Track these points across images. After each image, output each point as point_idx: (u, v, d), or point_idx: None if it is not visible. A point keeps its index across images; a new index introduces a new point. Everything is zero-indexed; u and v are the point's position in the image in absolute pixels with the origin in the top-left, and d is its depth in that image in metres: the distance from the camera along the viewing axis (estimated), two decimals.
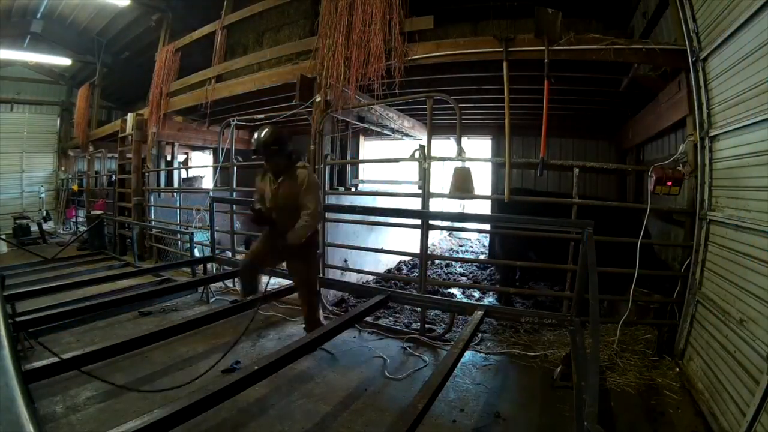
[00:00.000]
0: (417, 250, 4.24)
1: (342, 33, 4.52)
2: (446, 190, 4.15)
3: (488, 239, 6.64)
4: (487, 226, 5.05)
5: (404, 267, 6.87)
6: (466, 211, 6.93)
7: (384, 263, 6.70)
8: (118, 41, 9.86)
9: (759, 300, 2.30)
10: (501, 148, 8.18)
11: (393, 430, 1.81)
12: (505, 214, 4.42)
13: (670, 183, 3.36)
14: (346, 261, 5.35)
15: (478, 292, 5.58)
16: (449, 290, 5.51)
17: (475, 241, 9.36)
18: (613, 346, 3.54)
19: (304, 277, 3.47)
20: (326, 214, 4.78)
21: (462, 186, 4.01)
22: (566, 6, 3.91)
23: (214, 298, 4.98)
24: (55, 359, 2.43)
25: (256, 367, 2.25)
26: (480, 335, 3.89)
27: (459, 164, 4.10)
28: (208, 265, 5.44)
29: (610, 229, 3.59)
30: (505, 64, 3.96)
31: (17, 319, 3.22)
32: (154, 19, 7.92)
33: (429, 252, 4.46)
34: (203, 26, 6.71)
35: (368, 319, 4.17)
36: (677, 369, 3.24)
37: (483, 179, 8.66)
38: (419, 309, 4.23)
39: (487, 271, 6.55)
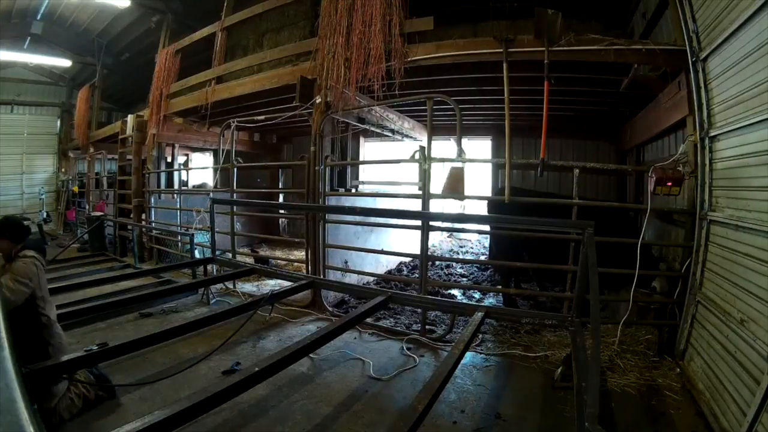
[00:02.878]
0: (417, 251, 4.24)
1: (342, 34, 4.52)
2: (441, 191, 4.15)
3: (488, 240, 6.64)
4: (487, 227, 5.05)
5: (404, 268, 6.87)
6: (467, 212, 6.94)
7: (384, 264, 6.70)
8: (118, 43, 9.88)
9: (759, 300, 2.30)
10: (501, 149, 8.19)
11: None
12: (504, 215, 4.42)
13: (670, 183, 3.36)
14: (346, 262, 5.35)
15: (479, 293, 5.58)
16: (449, 291, 5.51)
17: (476, 242, 9.36)
18: (614, 347, 3.54)
19: None
20: (326, 215, 4.79)
21: (455, 186, 4.00)
22: (566, 7, 3.92)
23: (214, 300, 4.97)
24: (56, 360, 2.43)
25: (256, 369, 2.24)
26: (480, 336, 3.89)
27: (454, 164, 4.10)
28: (209, 267, 5.44)
29: (608, 230, 3.59)
30: (505, 65, 3.96)
31: None
32: (154, 20, 7.94)
33: (429, 253, 4.46)
34: (203, 27, 6.73)
35: (369, 320, 4.16)
36: (678, 369, 3.24)
37: (483, 180, 8.70)
38: (420, 310, 4.22)
39: (488, 272, 6.54)
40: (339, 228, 5.13)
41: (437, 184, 4.24)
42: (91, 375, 2.77)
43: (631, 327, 3.78)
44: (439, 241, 9.06)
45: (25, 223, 3.01)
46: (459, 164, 4.09)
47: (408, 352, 3.64)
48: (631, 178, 6.57)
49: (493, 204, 4.81)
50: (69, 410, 2.55)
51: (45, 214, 10.91)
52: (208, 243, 5.67)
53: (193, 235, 5.91)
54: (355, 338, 3.96)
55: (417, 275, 4.87)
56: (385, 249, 5.74)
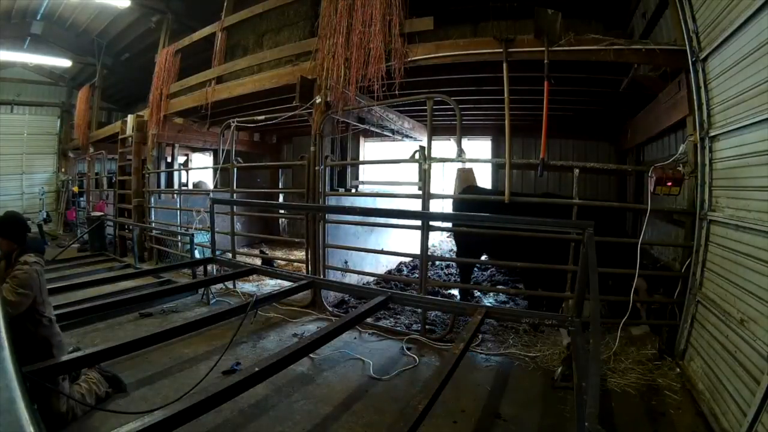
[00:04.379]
0: (417, 251, 4.24)
1: (342, 34, 4.52)
2: (446, 191, 4.14)
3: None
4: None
5: (404, 268, 6.86)
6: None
7: (384, 264, 6.70)
8: (118, 43, 9.88)
9: (759, 300, 2.30)
10: (501, 149, 8.19)
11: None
12: (503, 215, 4.41)
13: (670, 183, 3.36)
14: (346, 262, 5.35)
15: (479, 293, 5.58)
16: (449, 291, 5.51)
17: None
18: (614, 347, 3.53)
19: None
20: (326, 215, 4.79)
21: (466, 187, 4.00)
22: (566, 6, 3.92)
23: (214, 300, 4.97)
24: (55, 360, 2.43)
25: (256, 369, 2.24)
26: (481, 336, 3.89)
27: (462, 165, 4.10)
28: (209, 267, 5.44)
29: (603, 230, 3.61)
30: (505, 65, 3.96)
31: None
32: (154, 20, 7.93)
33: (429, 253, 4.46)
34: (203, 28, 6.72)
35: (369, 320, 4.16)
36: (678, 369, 3.24)
37: (483, 181, 8.69)
38: (420, 310, 4.22)
39: (488, 272, 6.54)
40: (339, 228, 5.13)
41: (438, 184, 4.24)
42: (100, 374, 2.80)
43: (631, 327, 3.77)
44: (439, 241, 9.05)
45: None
46: (467, 165, 4.08)
47: (408, 352, 3.64)
48: (631, 178, 6.57)
49: (458, 203, 4.86)
50: (81, 408, 2.56)
51: (45, 214, 10.89)
52: (208, 243, 5.67)
53: (193, 235, 5.91)
54: (355, 338, 3.96)
55: (417, 275, 4.87)
56: (385, 249, 5.73)
